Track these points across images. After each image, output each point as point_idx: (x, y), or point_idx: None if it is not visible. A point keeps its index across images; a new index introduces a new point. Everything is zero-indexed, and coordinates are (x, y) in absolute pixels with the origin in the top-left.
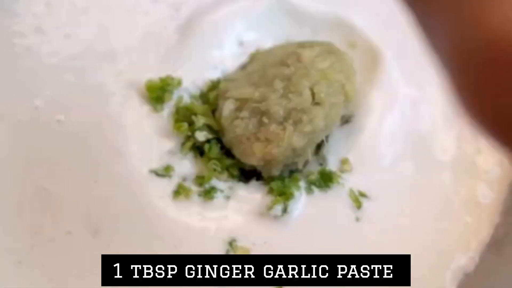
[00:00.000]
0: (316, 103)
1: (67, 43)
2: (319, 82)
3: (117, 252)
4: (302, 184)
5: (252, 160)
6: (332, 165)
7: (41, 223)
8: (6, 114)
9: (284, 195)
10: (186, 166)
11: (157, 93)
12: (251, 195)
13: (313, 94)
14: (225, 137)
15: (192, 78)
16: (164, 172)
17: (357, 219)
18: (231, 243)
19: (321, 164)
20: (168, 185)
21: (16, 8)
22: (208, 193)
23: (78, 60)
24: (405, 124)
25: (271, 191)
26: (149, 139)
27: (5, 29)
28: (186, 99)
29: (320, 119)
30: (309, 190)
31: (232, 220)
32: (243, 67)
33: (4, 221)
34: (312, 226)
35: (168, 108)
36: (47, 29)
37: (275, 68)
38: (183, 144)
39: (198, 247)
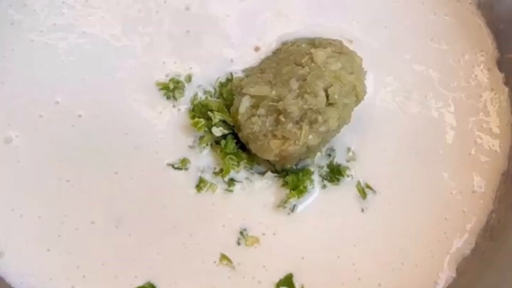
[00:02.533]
0: (330, 103)
1: (84, 40)
2: (332, 83)
3: (137, 241)
4: (314, 177)
5: (269, 155)
6: (339, 155)
7: (66, 213)
8: (28, 109)
9: (297, 188)
10: (202, 159)
11: (168, 91)
12: (266, 187)
13: (327, 95)
14: (241, 132)
15: (205, 74)
16: (181, 165)
17: (363, 210)
18: (242, 232)
19: (329, 155)
20: (184, 177)
21: (34, 5)
22: (228, 186)
23: (95, 56)
24: (406, 118)
25: (285, 184)
26: (166, 133)
27: (24, 25)
28: (201, 95)
29: (334, 120)
30: (323, 186)
31: (246, 211)
32: (257, 63)
33: (33, 212)
34: (320, 217)
35: (184, 104)
36: (64, 26)
37: (289, 67)
38: (200, 138)
39: (211, 236)
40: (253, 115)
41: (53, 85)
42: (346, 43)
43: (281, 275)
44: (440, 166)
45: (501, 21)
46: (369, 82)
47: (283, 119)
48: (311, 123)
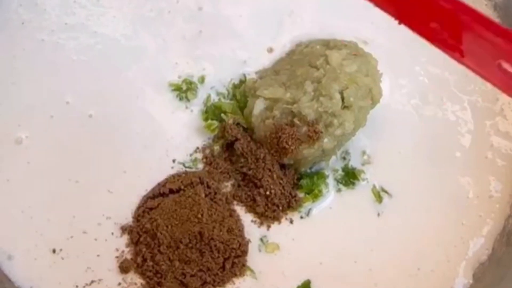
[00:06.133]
0: (345, 106)
1: (95, 40)
2: (348, 86)
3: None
4: (329, 181)
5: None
6: (353, 158)
7: (74, 214)
8: (38, 109)
9: (312, 192)
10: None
11: (181, 92)
12: None
13: (342, 98)
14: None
15: (219, 75)
16: (192, 164)
17: (378, 214)
18: (262, 239)
19: (344, 158)
20: None
21: (45, 4)
22: None
23: (106, 56)
24: (421, 121)
25: (300, 187)
26: (178, 134)
27: (35, 24)
28: (213, 96)
29: (350, 123)
30: (338, 189)
31: None
32: (270, 64)
33: (42, 214)
34: (336, 221)
35: (197, 105)
36: (75, 25)
37: (303, 69)
38: (214, 141)
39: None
40: (267, 118)
41: (64, 85)
42: (360, 45)
43: (299, 281)
44: (456, 169)
45: None
46: (384, 84)
47: (298, 122)
48: (326, 126)
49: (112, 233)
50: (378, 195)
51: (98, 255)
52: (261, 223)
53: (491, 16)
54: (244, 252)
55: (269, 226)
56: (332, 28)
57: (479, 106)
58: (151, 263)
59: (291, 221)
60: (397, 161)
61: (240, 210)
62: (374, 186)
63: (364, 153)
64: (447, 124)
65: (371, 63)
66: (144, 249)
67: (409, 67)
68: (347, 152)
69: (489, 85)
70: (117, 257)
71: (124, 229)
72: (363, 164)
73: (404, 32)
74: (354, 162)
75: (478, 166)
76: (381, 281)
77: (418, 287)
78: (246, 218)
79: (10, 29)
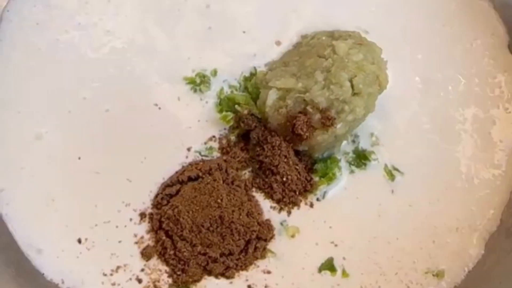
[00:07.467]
0: (355, 93)
1: (108, 38)
2: (356, 74)
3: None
4: (342, 164)
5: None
6: (363, 140)
7: (96, 204)
8: (56, 105)
9: (327, 175)
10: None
11: (195, 85)
12: None
13: (352, 86)
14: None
15: (230, 69)
16: (208, 153)
17: (392, 192)
18: (282, 223)
19: (353, 141)
20: None
21: (58, 5)
22: None
23: (120, 54)
24: (427, 102)
25: (315, 172)
26: (192, 124)
27: (49, 25)
28: (226, 89)
29: (360, 109)
30: (351, 171)
31: None
32: (279, 56)
33: (65, 206)
34: (353, 201)
35: (211, 98)
36: (88, 25)
37: (312, 59)
38: (230, 131)
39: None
40: (281, 107)
41: (80, 82)
42: (362, 34)
43: (322, 259)
44: (461, 145)
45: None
46: (389, 71)
47: (310, 110)
48: (338, 112)
49: (131, 219)
50: (390, 173)
51: (119, 241)
52: (281, 209)
53: (491, 16)
54: (269, 232)
55: (289, 212)
56: (335, 19)
57: (479, 85)
58: (172, 252)
59: (311, 205)
60: (405, 141)
61: (258, 197)
62: (385, 165)
63: (372, 134)
64: (450, 103)
65: (376, 51)
66: (164, 237)
67: (408, 51)
68: (356, 135)
69: (486, 66)
70: (136, 242)
71: (142, 215)
72: (372, 146)
73: (402, 19)
74: (364, 144)
75: (483, 142)
76: (399, 254)
77: (435, 259)
78: (265, 205)
79: (25, 29)
